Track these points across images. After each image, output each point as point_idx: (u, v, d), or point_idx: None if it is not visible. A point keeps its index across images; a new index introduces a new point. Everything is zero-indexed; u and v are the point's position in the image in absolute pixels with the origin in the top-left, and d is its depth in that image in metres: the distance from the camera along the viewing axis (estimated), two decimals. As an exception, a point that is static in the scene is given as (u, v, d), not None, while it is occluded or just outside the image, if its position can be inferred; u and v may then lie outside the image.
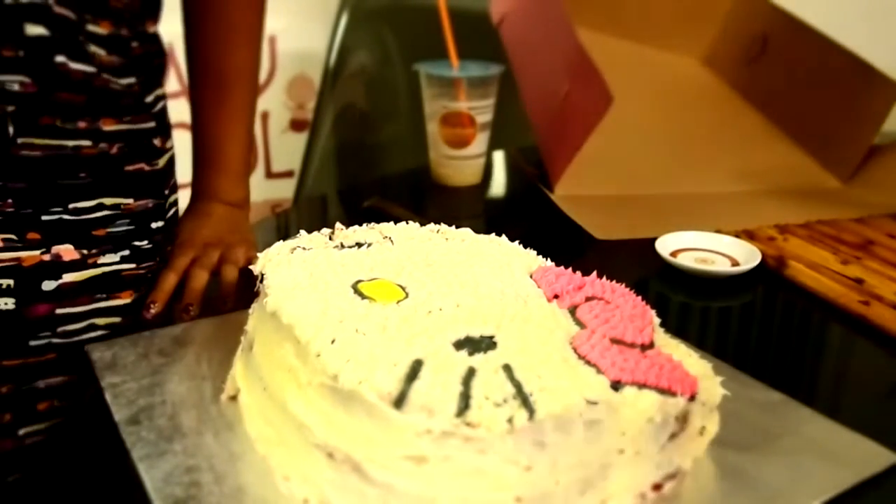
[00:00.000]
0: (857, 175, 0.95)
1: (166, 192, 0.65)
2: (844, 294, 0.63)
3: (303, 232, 0.50)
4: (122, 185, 0.60)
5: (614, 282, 0.46)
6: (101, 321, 0.60)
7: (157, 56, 0.65)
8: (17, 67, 0.51)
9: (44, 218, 0.56)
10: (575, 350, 0.38)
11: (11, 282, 0.56)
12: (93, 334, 0.59)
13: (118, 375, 0.48)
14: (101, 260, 0.59)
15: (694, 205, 0.87)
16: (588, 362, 0.37)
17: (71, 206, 0.57)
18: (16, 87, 0.52)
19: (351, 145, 1.60)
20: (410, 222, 0.53)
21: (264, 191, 1.63)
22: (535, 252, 0.51)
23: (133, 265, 0.61)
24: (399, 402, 0.34)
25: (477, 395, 0.34)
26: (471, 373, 0.35)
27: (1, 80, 0.51)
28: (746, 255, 0.68)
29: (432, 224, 0.53)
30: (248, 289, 0.48)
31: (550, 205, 0.86)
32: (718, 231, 0.72)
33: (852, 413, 0.47)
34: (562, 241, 0.79)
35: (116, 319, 0.60)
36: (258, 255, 0.47)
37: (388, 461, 0.34)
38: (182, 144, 1.25)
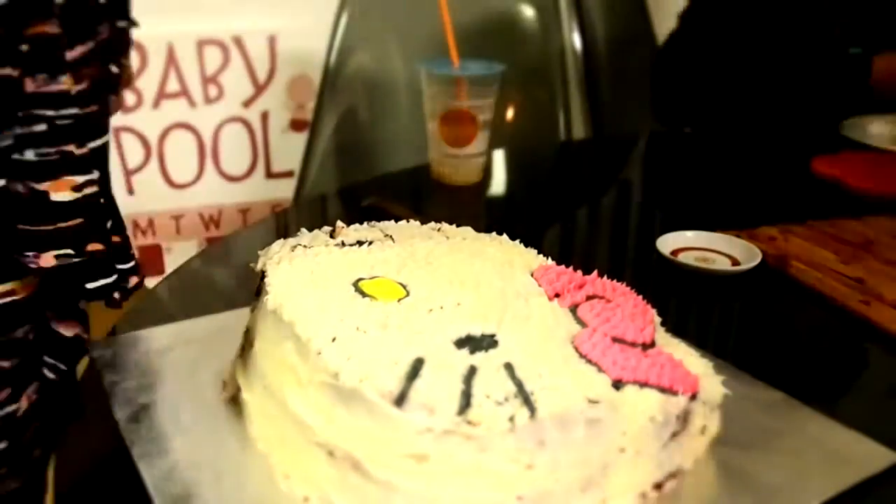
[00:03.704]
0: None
1: None
2: (845, 293, 0.63)
3: (303, 230, 0.50)
4: None
5: (615, 281, 0.46)
6: None
7: None
8: None
9: None
10: (576, 349, 0.38)
11: None
12: None
13: (118, 373, 0.48)
14: None
15: None
16: (589, 361, 0.37)
17: None
18: None
19: (351, 145, 1.60)
20: (411, 220, 0.53)
21: (264, 191, 1.63)
22: (535, 251, 0.50)
23: None
24: (400, 400, 0.34)
25: (478, 394, 0.34)
26: (472, 371, 0.35)
27: None
28: (747, 255, 0.68)
29: (433, 222, 0.53)
30: (248, 287, 0.48)
31: (553, 204, 0.86)
32: (718, 231, 0.72)
33: (853, 412, 0.47)
34: (562, 240, 0.79)
35: None
36: (259, 252, 0.47)
37: (389, 459, 0.34)
38: (182, 144, 1.25)
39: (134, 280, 0.61)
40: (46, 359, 0.55)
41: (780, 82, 1.10)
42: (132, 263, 0.61)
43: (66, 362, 0.56)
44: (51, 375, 0.56)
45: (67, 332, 0.56)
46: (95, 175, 0.53)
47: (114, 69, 0.58)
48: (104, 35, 0.54)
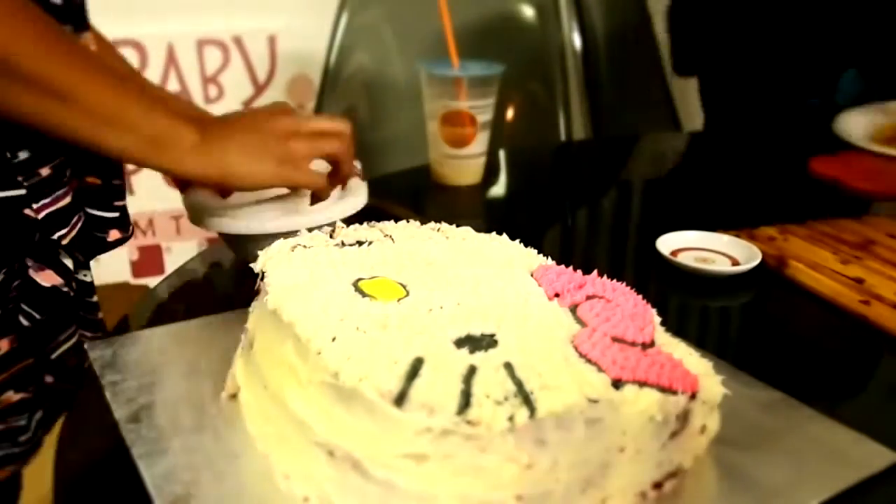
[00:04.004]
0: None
1: None
2: (844, 294, 0.63)
3: (303, 230, 0.50)
4: None
5: (615, 280, 0.46)
6: None
7: None
8: None
9: None
10: (576, 348, 0.38)
11: None
12: None
13: (118, 373, 0.48)
14: None
15: None
16: (589, 361, 0.37)
17: None
18: None
19: (351, 145, 1.60)
20: (411, 220, 0.53)
21: (264, 190, 1.62)
22: (535, 251, 0.51)
23: None
24: (400, 400, 0.34)
25: (478, 393, 0.34)
26: (471, 371, 0.35)
27: None
28: (746, 255, 0.68)
29: (433, 222, 0.53)
30: (248, 287, 0.48)
31: (553, 204, 0.86)
32: (718, 231, 0.72)
33: (852, 412, 0.47)
34: (562, 240, 0.79)
35: None
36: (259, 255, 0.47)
37: (389, 459, 0.34)
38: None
39: (115, 234, 0.61)
40: (23, 306, 0.57)
41: (790, 28, 1.11)
42: (113, 215, 0.61)
43: (42, 312, 0.58)
44: (25, 323, 0.57)
45: (45, 282, 0.57)
46: None
47: None
48: None
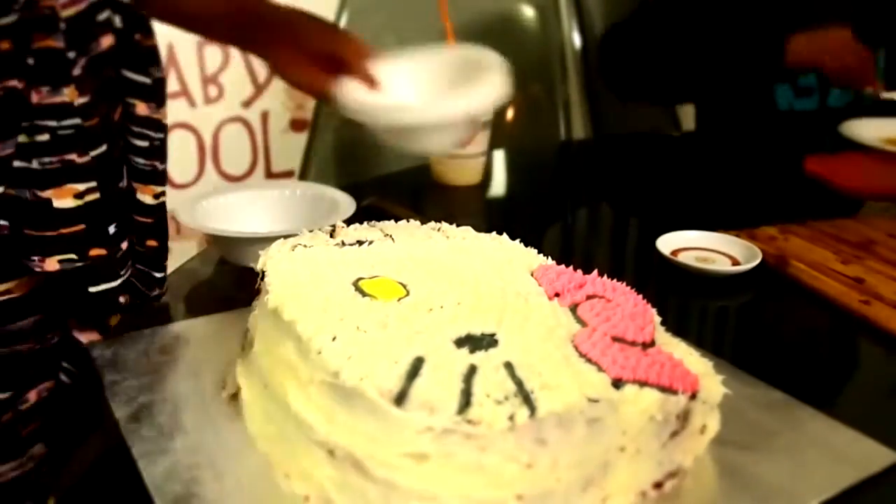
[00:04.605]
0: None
1: None
2: (845, 293, 0.63)
3: (304, 230, 0.50)
4: None
5: (615, 280, 0.46)
6: None
7: None
8: None
9: None
10: (576, 348, 0.38)
11: None
12: None
13: (119, 373, 0.48)
14: None
15: None
16: (589, 360, 0.37)
17: None
18: None
19: (351, 145, 1.60)
20: (411, 220, 0.53)
21: (264, 190, 1.62)
22: (535, 251, 0.51)
23: None
24: (400, 399, 0.34)
25: (478, 393, 0.34)
26: (472, 370, 0.35)
27: None
28: (747, 255, 0.68)
29: (433, 222, 0.53)
30: (248, 287, 0.48)
31: (553, 204, 0.85)
32: (719, 231, 0.72)
33: (852, 412, 0.47)
34: (562, 240, 0.79)
35: None
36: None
37: (389, 458, 0.34)
38: (182, 144, 1.24)
39: (155, 292, 0.63)
40: (64, 364, 0.58)
41: (711, 59, 1.14)
42: (161, 274, 0.63)
43: (80, 367, 0.58)
44: (65, 379, 0.58)
45: (86, 339, 0.58)
46: (96, 183, 0.55)
47: (133, 76, 0.60)
48: (104, 47, 0.55)
